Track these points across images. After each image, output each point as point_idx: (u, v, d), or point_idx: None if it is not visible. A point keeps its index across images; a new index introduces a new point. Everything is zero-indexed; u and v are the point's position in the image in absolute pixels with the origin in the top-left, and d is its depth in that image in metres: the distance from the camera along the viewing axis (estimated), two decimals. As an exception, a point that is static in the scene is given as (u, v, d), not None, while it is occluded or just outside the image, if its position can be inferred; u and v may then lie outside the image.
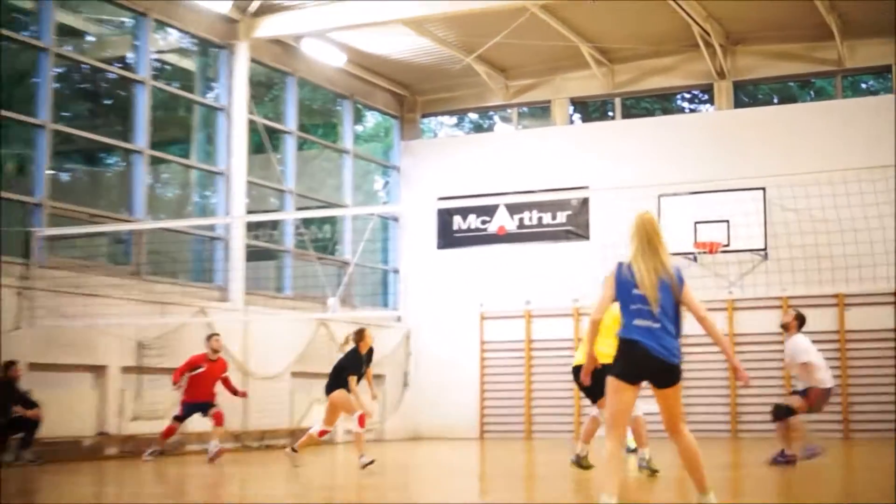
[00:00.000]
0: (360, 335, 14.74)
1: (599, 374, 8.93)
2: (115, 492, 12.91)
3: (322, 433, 14.82)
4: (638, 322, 7.98)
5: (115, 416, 18.91)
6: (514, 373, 25.64)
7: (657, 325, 7.90)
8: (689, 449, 7.90)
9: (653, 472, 12.41)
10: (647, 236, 8.07)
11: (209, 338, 17.65)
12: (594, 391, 11.24)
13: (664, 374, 7.92)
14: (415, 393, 26.28)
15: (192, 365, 17.01)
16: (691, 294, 8.09)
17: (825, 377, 14.01)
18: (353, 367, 14.55)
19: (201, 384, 16.99)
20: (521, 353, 25.69)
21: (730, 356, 8.22)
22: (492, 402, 25.40)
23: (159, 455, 17.17)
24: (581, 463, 12.93)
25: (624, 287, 8.05)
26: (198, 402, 17.05)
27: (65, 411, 17.87)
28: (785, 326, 14.17)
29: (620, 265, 8.12)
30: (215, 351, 17.34)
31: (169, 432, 17.22)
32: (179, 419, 17.15)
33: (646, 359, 7.91)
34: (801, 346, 14.09)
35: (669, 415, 8.01)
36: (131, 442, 18.88)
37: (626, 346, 7.99)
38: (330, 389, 14.56)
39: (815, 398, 13.56)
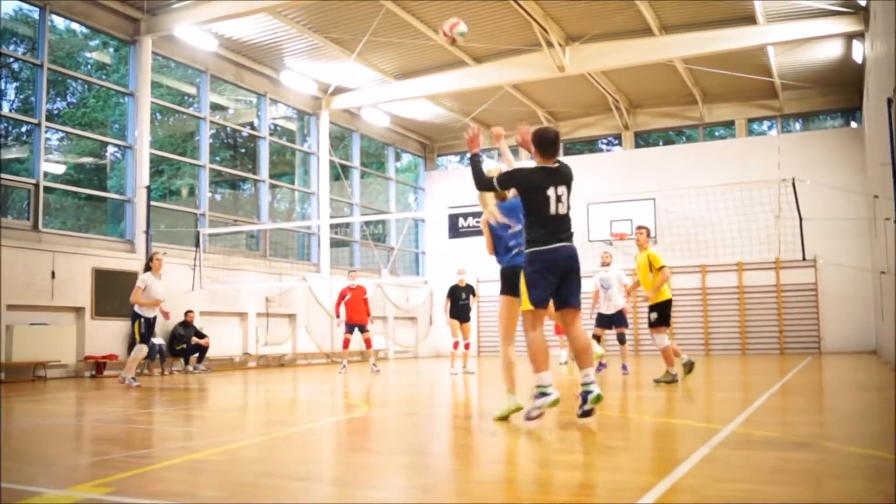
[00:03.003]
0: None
1: (662, 307, 9.31)
2: (253, 387, 12.27)
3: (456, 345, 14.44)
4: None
5: (253, 343, 19.10)
6: (495, 315, 25.35)
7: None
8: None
9: (690, 369, 10.29)
10: None
11: (349, 273, 16.68)
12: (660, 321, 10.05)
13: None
14: (435, 328, 26.16)
15: (343, 295, 15.92)
16: None
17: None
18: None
19: (353, 306, 15.75)
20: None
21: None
22: (484, 331, 25.44)
23: (345, 366, 15.68)
24: (687, 369, 10.35)
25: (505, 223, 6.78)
26: (354, 321, 15.76)
27: (222, 340, 18.12)
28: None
29: None
30: (352, 280, 16.20)
31: (345, 344, 15.91)
32: (347, 333, 15.79)
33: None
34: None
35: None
36: (263, 359, 19.18)
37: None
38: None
39: None
